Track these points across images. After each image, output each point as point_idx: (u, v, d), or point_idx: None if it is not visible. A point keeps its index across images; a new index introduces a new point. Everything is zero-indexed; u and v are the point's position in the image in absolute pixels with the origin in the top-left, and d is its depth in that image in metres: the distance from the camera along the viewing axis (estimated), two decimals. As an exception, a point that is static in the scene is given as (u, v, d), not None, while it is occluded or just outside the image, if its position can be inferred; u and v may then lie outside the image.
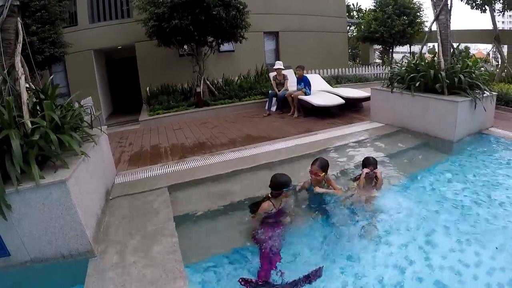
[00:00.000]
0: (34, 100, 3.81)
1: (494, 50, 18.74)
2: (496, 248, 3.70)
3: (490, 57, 21.07)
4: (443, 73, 6.85)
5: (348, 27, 24.54)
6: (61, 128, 3.60)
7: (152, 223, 3.96)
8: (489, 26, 20.59)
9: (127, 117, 13.76)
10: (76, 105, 4.70)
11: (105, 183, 4.70)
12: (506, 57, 17.62)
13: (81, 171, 3.53)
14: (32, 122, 3.38)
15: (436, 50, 7.72)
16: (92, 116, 4.85)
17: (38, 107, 3.79)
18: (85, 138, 4.28)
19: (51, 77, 4.94)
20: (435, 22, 7.54)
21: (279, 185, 4.11)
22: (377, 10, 20.98)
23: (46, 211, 3.14)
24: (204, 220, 4.41)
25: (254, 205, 4.23)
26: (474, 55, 22.51)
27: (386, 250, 3.77)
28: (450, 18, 7.45)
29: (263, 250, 3.71)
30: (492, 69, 13.72)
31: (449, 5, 7.38)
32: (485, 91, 6.97)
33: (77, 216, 3.22)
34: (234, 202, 4.70)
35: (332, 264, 3.59)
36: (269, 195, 4.18)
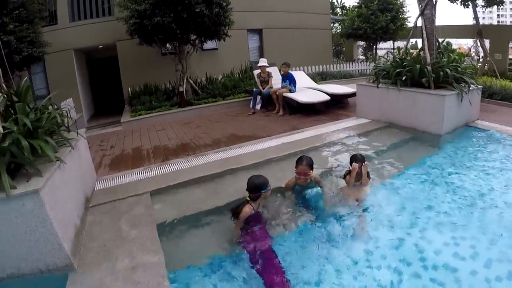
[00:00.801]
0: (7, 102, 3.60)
1: (475, 44, 18.98)
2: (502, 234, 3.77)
3: (471, 52, 21.28)
4: (429, 68, 6.83)
5: (332, 24, 24.50)
6: (34, 132, 3.39)
7: (134, 232, 3.76)
8: (468, 21, 20.74)
9: (109, 119, 13.50)
10: (55, 106, 4.48)
11: (84, 190, 4.48)
12: (488, 51, 17.88)
13: (56, 179, 3.33)
14: (3, 127, 3.17)
15: (419, 46, 7.72)
16: (70, 118, 4.62)
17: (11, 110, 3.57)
18: (62, 143, 4.03)
19: (26, 78, 4.68)
20: (420, 17, 7.49)
21: (256, 188, 3.98)
22: (362, 6, 20.96)
23: (19, 224, 2.94)
24: (189, 225, 4.24)
25: (234, 209, 4.05)
26: (458, 49, 22.66)
27: (380, 249, 3.69)
28: (435, 13, 7.41)
29: (260, 262, 3.55)
30: (473, 63, 13.86)
31: (434, 0, 7.34)
32: (471, 85, 7.01)
33: (52, 229, 3.02)
34: (220, 206, 4.51)
35: (327, 265, 3.50)
36: (248, 198, 4.03)
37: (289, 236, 3.98)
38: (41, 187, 2.92)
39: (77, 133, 4.57)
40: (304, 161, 4.48)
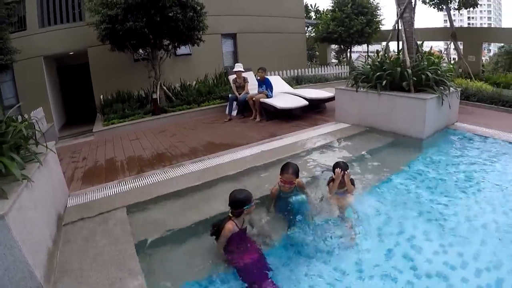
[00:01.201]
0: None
1: (447, 47, 19.34)
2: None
3: (443, 54, 21.75)
4: (410, 71, 6.79)
5: (306, 28, 24.53)
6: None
7: (111, 253, 3.52)
8: (439, 24, 21.14)
9: (81, 128, 13.16)
10: (22, 118, 4.20)
11: (56, 207, 4.19)
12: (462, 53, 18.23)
13: (24, 200, 3.06)
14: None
15: (391, 49, 7.73)
16: (38, 131, 4.32)
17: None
18: (29, 158, 3.74)
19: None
20: (399, 20, 7.46)
21: (238, 203, 3.68)
22: (336, 10, 21.02)
23: (-15, 252, 2.67)
24: (169, 243, 3.99)
25: (215, 226, 3.78)
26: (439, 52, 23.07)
27: (370, 259, 3.60)
28: (414, 16, 7.40)
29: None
30: (445, 65, 14.20)
31: (413, 3, 7.33)
32: (450, 87, 7.06)
33: (22, 256, 2.75)
34: (200, 220, 4.29)
35: (316, 279, 3.38)
36: (230, 214, 3.75)
37: (274, 249, 3.84)
38: (6, 211, 2.66)
39: (46, 146, 4.26)
40: (290, 169, 4.33)
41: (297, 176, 4.37)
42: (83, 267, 3.31)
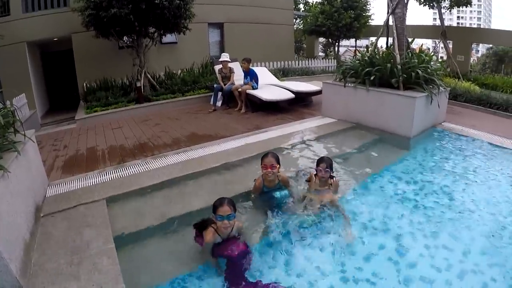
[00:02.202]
0: None
1: (436, 45, 19.51)
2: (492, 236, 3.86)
3: (431, 52, 21.99)
4: (400, 67, 6.78)
5: (294, 20, 24.46)
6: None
7: (90, 246, 3.44)
8: (428, 22, 21.27)
9: (64, 115, 12.93)
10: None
11: (34, 198, 4.11)
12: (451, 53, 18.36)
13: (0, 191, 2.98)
14: None
15: (379, 44, 7.72)
16: (17, 119, 4.20)
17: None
18: (6, 147, 3.66)
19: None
20: (391, 16, 7.44)
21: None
22: (325, 3, 20.99)
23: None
24: (150, 238, 3.92)
25: (198, 227, 3.63)
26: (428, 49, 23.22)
27: (356, 260, 3.57)
28: (406, 12, 7.37)
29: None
30: (433, 63, 14.29)
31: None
32: (440, 86, 7.05)
33: (-4, 249, 2.68)
34: (183, 214, 4.24)
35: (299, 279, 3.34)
36: (214, 219, 3.50)
37: (260, 246, 3.79)
38: (-20, 203, 2.59)
39: (24, 135, 4.16)
40: (269, 154, 4.39)
41: (278, 161, 4.37)
42: (60, 261, 3.24)
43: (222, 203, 3.46)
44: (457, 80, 14.29)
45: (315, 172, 4.68)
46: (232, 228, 3.55)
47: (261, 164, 4.38)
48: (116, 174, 5.26)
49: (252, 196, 4.61)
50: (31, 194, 4.07)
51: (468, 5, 18.79)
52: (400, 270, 3.37)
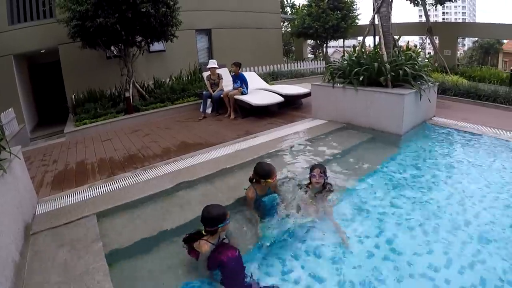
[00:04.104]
0: None
1: (423, 41, 19.69)
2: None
3: (418, 48, 22.21)
4: (387, 66, 6.78)
5: (281, 23, 24.50)
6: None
7: (81, 264, 3.37)
8: (413, 19, 21.47)
9: (54, 128, 12.87)
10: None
11: (22, 217, 4.05)
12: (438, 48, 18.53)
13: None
14: None
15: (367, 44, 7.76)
16: (1, 136, 4.13)
17: None
18: (-9, 166, 3.60)
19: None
20: (376, 15, 7.47)
21: (213, 221, 3.39)
22: (312, 5, 21.06)
23: None
24: (142, 253, 3.85)
25: (188, 241, 3.57)
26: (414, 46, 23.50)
27: (353, 262, 3.57)
28: (391, 10, 7.41)
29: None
30: (421, 59, 14.49)
31: None
32: (428, 82, 7.14)
33: (-16, 273, 2.63)
34: (175, 227, 4.17)
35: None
36: (203, 232, 3.45)
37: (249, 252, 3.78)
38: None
39: (10, 152, 4.10)
40: (273, 172, 4.36)
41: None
42: (51, 280, 3.18)
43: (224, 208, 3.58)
44: (445, 74, 14.42)
45: (308, 181, 4.67)
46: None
47: (262, 178, 4.29)
48: (106, 188, 5.20)
49: (247, 205, 4.54)
50: (20, 212, 4.01)
51: (452, 1, 18.92)
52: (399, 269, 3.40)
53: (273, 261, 3.66)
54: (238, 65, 10.21)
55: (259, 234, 4.04)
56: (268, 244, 3.84)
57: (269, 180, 4.26)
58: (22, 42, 13.09)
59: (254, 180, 4.38)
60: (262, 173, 4.29)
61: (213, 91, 10.42)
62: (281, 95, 9.68)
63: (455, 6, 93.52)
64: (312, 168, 4.65)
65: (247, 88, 10.05)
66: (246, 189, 4.53)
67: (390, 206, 4.59)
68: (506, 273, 3.24)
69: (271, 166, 4.41)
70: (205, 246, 3.37)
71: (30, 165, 6.86)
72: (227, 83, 10.59)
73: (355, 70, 7.29)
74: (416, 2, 19.16)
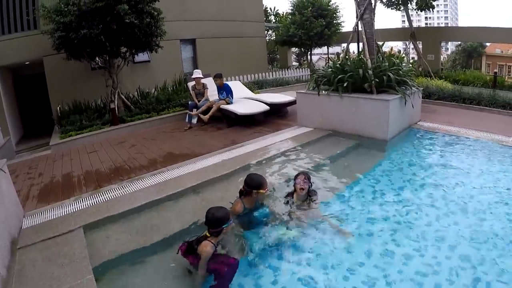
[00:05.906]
0: None
1: (406, 46, 19.97)
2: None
3: (402, 54, 22.51)
4: (371, 72, 6.87)
5: (266, 32, 24.62)
6: None
7: (68, 278, 3.37)
8: (397, 24, 21.76)
9: (40, 140, 12.77)
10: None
11: (9, 232, 4.05)
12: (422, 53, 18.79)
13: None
14: None
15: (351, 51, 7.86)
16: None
17: None
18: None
19: None
20: (359, 22, 7.57)
21: (217, 221, 3.51)
22: (296, 13, 21.22)
23: None
24: (130, 265, 3.87)
25: (187, 244, 3.64)
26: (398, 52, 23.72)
27: (344, 270, 3.62)
28: (374, 17, 7.52)
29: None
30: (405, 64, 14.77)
31: (373, 4, 7.46)
32: (412, 87, 7.23)
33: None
34: (161, 239, 4.20)
35: None
36: (207, 233, 3.55)
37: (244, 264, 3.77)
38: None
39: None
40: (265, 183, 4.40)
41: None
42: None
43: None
44: (429, 78, 14.62)
45: (293, 189, 4.71)
46: None
47: (255, 189, 4.29)
48: (92, 201, 5.20)
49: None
50: (6, 227, 4.00)
51: (433, 8, 19.26)
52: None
53: (265, 272, 3.70)
54: (219, 76, 10.28)
55: (248, 245, 4.05)
56: (255, 257, 3.87)
57: (261, 191, 4.29)
58: (6, 54, 12.93)
59: (244, 193, 4.37)
60: (253, 184, 4.30)
61: (199, 101, 10.45)
62: (266, 103, 9.75)
63: (438, 11, 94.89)
64: (296, 176, 4.71)
65: (232, 98, 10.10)
66: (233, 203, 4.49)
67: (378, 211, 4.66)
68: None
69: (261, 177, 4.44)
70: (208, 249, 3.43)
71: (15, 178, 6.82)
72: (211, 93, 10.66)
73: (340, 77, 7.37)
74: (398, 7, 19.44)
